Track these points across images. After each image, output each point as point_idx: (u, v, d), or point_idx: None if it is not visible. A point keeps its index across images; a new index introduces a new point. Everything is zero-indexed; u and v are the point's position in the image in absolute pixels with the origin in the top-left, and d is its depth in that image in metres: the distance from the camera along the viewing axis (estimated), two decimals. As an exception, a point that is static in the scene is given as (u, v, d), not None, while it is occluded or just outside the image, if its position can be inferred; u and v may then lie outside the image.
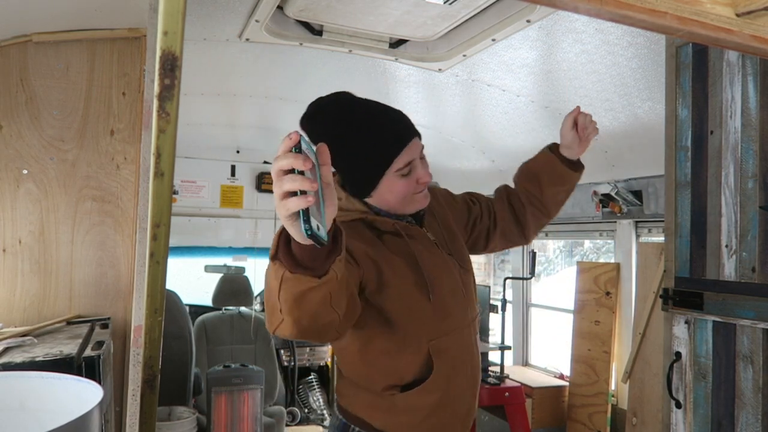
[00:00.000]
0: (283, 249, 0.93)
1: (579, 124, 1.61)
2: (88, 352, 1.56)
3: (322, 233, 0.82)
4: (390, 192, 1.36)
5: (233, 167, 5.01)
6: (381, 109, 1.42)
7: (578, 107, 1.64)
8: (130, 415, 1.52)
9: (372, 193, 1.38)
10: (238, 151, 4.99)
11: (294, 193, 0.81)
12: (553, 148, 1.68)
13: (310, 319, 1.02)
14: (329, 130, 1.36)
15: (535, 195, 1.68)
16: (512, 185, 1.75)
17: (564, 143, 1.65)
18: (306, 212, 0.80)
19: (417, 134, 1.40)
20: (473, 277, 1.56)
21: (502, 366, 3.69)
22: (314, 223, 0.81)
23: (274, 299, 0.99)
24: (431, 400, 1.35)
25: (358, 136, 1.35)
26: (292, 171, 0.81)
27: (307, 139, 0.83)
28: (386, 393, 1.36)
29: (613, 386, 3.54)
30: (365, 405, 1.39)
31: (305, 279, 0.93)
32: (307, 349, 4.86)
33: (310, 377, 4.93)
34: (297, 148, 0.81)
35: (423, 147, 1.41)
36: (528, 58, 2.53)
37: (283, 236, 0.93)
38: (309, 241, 0.84)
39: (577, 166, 1.67)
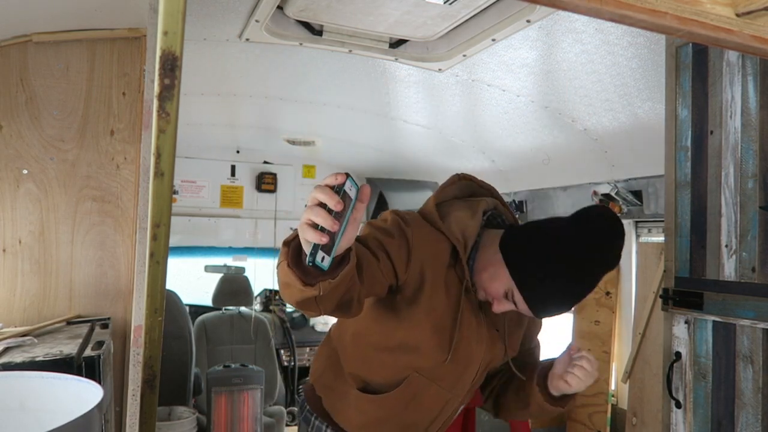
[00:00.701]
0: (295, 243, 1.00)
1: (576, 362, 1.39)
2: (88, 352, 1.56)
3: (325, 264, 0.92)
4: (491, 277, 1.31)
5: (233, 167, 5.01)
6: (588, 263, 1.26)
7: (575, 348, 1.44)
8: (130, 415, 1.52)
9: (506, 264, 1.30)
10: (238, 151, 4.99)
11: (316, 226, 0.90)
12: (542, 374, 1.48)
13: (293, 302, 1.07)
14: (581, 248, 1.25)
15: (500, 403, 1.61)
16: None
17: (553, 371, 1.44)
18: (316, 246, 0.90)
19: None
20: (499, 366, 1.51)
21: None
22: (319, 256, 0.91)
23: (277, 267, 1.05)
24: (379, 414, 1.36)
25: (581, 279, 1.26)
26: (325, 206, 0.89)
27: (354, 178, 0.92)
28: (349, 379, 1.39)
29: (613, 386, 3.54)
30: (326, 382, 1.44)
31: (293, 279, 1.00)
32: (307, 349, 4.86)
33: (310, 377, 4.92)
34: (338, 188, 0.90)
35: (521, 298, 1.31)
36: (528, 58, 2.53)
37: (296, 244, 1.00)
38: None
39: (560, 401, 1.47)
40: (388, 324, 1.33)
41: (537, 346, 1.64)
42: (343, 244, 0.95)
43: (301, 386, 1.61)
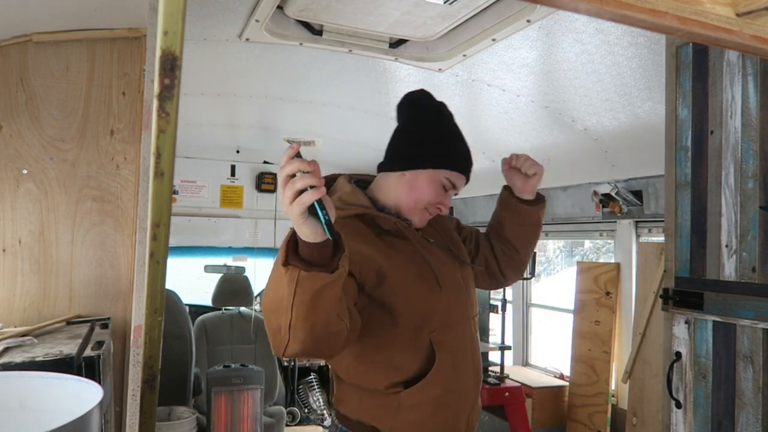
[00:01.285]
0: (293, 254, 0.99)
1: (516, 165, 1.60)
2: (88, 352, 1.57)
3: (327, 216, 0.92)
4: (415, 188, 1.41)
5: (233, 167, 5.01)
6: (451, 127, 1.50)
7: (511, 156, 1.61)
8: (130, 415, 1.52)
9: (406, 173, 1.42)
10: (238, 151, 4.99)
11: (307, 192, 0.90)
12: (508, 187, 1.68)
13: (324, 324, 1.04)
14: (416, 112, 1.49)
15: (499, 232, 1.70)
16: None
17: (512, 187, 1.65)
18: (320, 203, 0.91)
19: (469, 176, 1.48)
20: (472, 275, 1.58)
21: (502, 366, 3.70)
22: (326, 215, 0.91)
23: (285, 309, 1.01)
24: (436, 393, 1.34)
25: (441, 125, 1.47)
26: (299, 174, 0.91)
27: (299, 145, 0.95)
28: (391, 391, 1.34)
29: (613, 386, 3.54)
30: (371, 408, 1.36)
31: (320, 275, 0.98)
32: (307, 349, 4.85)
33: (310, 377, 4.93)
34: (298, 156, 0.92)
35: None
36: (528, 58, 2.53)
37: (291, 243, 1.00)
38: (322, 234, 0.95)
39: (534, 202, 1.64)
40: (377, 317, 1.33)
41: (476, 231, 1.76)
42: (331, 213, 0.96)
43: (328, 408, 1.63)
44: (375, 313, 1.32)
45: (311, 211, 0.93)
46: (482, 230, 1.77)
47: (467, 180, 1.47)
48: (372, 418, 1.36)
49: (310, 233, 0.95)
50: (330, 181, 1.49)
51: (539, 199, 1.64)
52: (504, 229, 1.67)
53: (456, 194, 1.47)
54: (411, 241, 1.41)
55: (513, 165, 1.59)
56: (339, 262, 1.00)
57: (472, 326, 1.49)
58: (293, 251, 1.00)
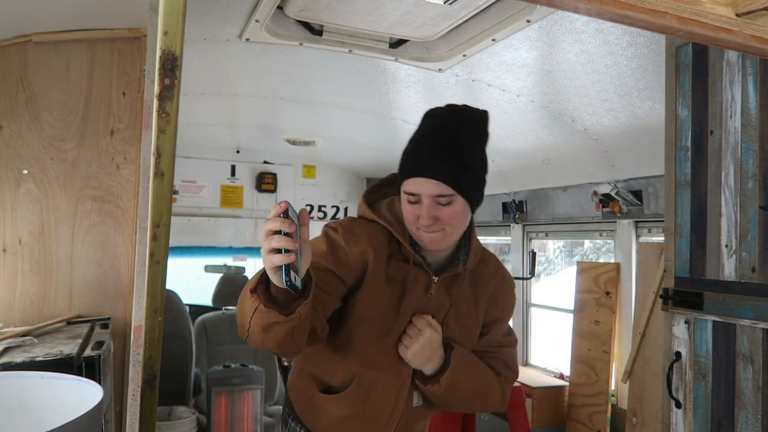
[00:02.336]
0: (262, 286, 1.10)
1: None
2: (88, 352, 1.57)
3: (298, 283, 1.03)
4: (403, 209, 1.35)
5: (233, 167, 5.01)
6: (440, 133, 1.34)
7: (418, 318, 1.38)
8: (130, 415, 1.52)
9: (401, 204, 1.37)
10: (238, 151, 4.99)
11: (279, 251, 0.99)
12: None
13: (274, 346, 1.16)
14: (416, 129, 1.40)
15: None
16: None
17: None
18: (287, 267, 1.00)
19: (443, 176, 1.28)
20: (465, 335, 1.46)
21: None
22: (293, 275, 1.01)
23: (245, 322, 1.14)
24: (338, 413, 1.40)
25: (412, 141, 1.36)
26: (279, 232, 0.99)
27: (293, 206, 1.03)
28: (312, 382, 1.43)
29: (613, 386, 3.54)
30: (299, 387, 1.47)
31: (274, 314, 1.09)
32: (307, 349, 4.85)
33: (310, 377, 4.92)
34: (285, 214, 1.00)
35: (446, 195, 1.29)
36: (528, 58, 2.53)
37: (264, 275, 1.09)
38: (285, 287, 1.03)
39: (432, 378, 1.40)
40: (336, 322, 1.36)
41: (508, 344, 1.54)
42: (304, 264, 1.06)
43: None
44: (343, 310, 1.36)
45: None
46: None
47: (438, 177, 1.27)
48: (295, 397, 1.48)
49: (278, 282, 1.05)
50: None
51: (432, 379, 1.40)
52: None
53: (440, 202, 1.28)
54: (410, 277, 1.35)
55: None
56: (298, 308, 1.09)
57: (412, 393, 1.41)
58: (264, 282, 1.10)
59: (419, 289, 1.37)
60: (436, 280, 1.38)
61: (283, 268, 1.00)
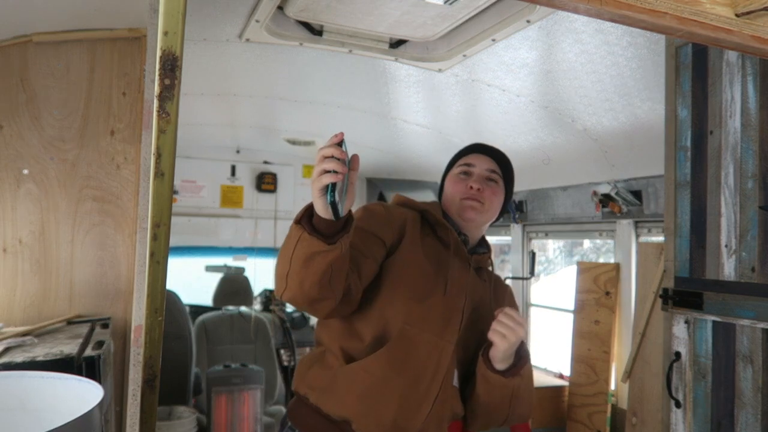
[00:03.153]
0: (306, 219, 1.16)
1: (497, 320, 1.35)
2: (89, 352, 1.57)
3: (340, 208, 1.09)
4: (447, 189, 1.54)
5: (233, 167, 5.01)
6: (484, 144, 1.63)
7: (500, 310, 1.36)
8: (130, 415, 1.53)
9: (443, 193, 1.58)
10: (238, 151, 4.99)
11: (328, 173, 1.06)
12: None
13: (311, 284, 1.18)
14: None
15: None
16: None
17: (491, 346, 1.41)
18: (333, 186, 1.06)
19: (491, 154, 1.56)
20: (483, 331, 1.42)
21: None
22: (336, 197, 1.07)
23: (287, 258, 1.18)
24: (369, 382, 1.30)
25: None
26: (331, 158, 1.07)
27: (346, 145, 1.10)
28: (335, 359, 1.35)
29: (613, 386, 3.54)
30: (312, 377, 1.38)
31: (317, 242, 1.13)
32: (307, 349, 4.86)
33: (310, 377, 4.92)
34: (340, 144, 1.08)
35: (496, 172, 1.54)
36: (528, 58, 2.53)
37: (309, 210, 1.16)
38: (329, 214, 1.11)
39: (505, 372, 1.37)
40: (374, 279, 1.36)
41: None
42: (347, 203, 1.14)
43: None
44: (375, 276, 1.38)
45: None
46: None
47: (492, 156, 1.54)
48: (309, 387, 1.37)
49: (322, 209, 1.11)
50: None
51: (512, 370, 1.38)
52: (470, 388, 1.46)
53: (490, 176, 1.51)
54: (449, 251, 1.44)
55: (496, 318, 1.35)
56: (340, 239, 1.14)
57: (456, 357, 1.38)
58: (309, 216, 1.15)
59: (458, 263, 1.45)
60: (471, 259, 1.48)
61: (329, 186, 1.07)
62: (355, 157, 1.14)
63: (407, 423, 1.31)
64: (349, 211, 1.17)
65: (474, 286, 1.47)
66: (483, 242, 1.58)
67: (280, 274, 1.21)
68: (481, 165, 1.53)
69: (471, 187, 1.48)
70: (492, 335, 1.33)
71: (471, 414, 1.47)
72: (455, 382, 1.41)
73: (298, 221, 1.16)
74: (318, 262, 1.15)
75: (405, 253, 1.39)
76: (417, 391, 1.32)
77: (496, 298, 1.54)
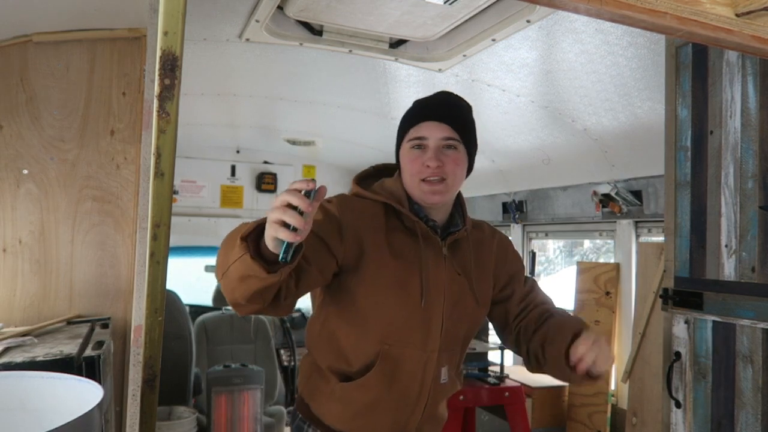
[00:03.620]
0: (255, 237, 1.06)
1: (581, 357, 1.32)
2: (89, 352, 1.57)
3: (288, 259, 1.01)
4: (404, 165, 1.38)
5: (233, 167, 5.01)
6: (440, 96, 1.46)
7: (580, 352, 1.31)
8: (130, 415, 1.53)
9: (400, 163, 1.41)
10: (238, 151, 4.99)
11: (287, 225, 0.96)
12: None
13: (242, 297, 1.12)
14: None
15: (535, 350, 1.46)
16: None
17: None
18: (289, 244, 0.98)
19: (451, 120, 1.37)
20: (481, 313, 1.45)
21: (502, 366, 3.69)
22: (289, 254, 0.99)
23: (225, 264, 1.10)
24: (365, 398, 1.34)
25: (412, 106, 1.44)
26: (295, 208, 0.96)
27: (315, 190, 0.98)
28: (332, 377, 1.37)
29: (613, 386, 3.54)
30: (312, 387, 1.41)
31: (257, 269, 1.04)
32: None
33: (310, 377, 4.92)
34: (307, 193, 0.96)
35: (454, 138, 1.36)
36: (528, 58, 2.53)
37: (259, 228, 1.06)
38: (275, 252, 1.02)
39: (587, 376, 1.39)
40: (345, 302, 1.34)
41: (533, 288, 1.52)
42: (302, 237, 1.02)
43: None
44: (345, 295, 1.34)
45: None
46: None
47: (446, 120, 1.35)
48: (310, 397, 1.41)
49: (273, 248, 1.02)
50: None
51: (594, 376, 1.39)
52: (540, 357, 1.43)
53: (447, 144, 1.34)
54: (419, 246, 1.35)
55: (579, 358, 1.33)
56: (281, 269, 1.06)
57: (440, 358, 1.38)
58: (258, 235, 1.06)
59: (431, 256, 1.36)
60: (444, 245, 1.38)
61: (284, 244, 0.98)
62: (321, 189, 1.01)
63: (401, 430, 1.39)
64: (300, 244, 1.07)
65: (452, 277, 1.39)
66: (457, 214, 1.46)
67: (218, 268, 1.15)
68: (435, 135, 1.34)
69: (428, 166, 1.33)
70: (603, 365, 1.34)
71: (517, 347, 1.49)
72: (443, 378, 1.41)
73: (244, 238, 1.06)
74: (252, 283, 1.08)
75: (371, 269, 1.31)
76: (407, 403, 1.37)
77: (482, 262, 1.46)
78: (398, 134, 1.43)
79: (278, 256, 1.02)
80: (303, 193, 0.97)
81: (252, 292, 1.10)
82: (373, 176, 1.51)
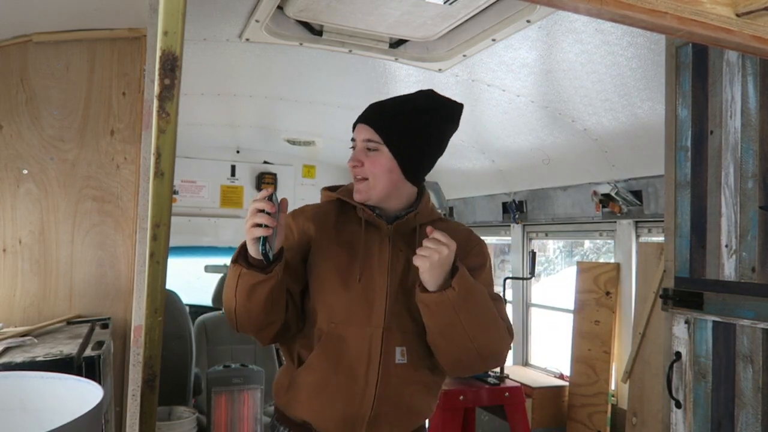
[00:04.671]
0: (242, 257, 1.31)
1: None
2: (88, 352, 1.57)
3: (271, 255, 1.26)
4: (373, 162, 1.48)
5: (233, 167, 5.01)
6: (393, 97, 1.55)
7: (436, 231, 1.32)
8: (130, 415, 1.53)
9: None
10: (238, 151, 4.99)
11: (260, 226, 1.23)
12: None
13: (258, 312, 1.32)
14: None
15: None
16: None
17: None
18: (265, 239, 1.24)
19: (372, 123, 1.46)
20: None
21: (502, 366, 3.69)
22: (267, 246, 1.24)
23: (232, 295, 1.32)
24: (312, 379, 1.40)
25: None
26: (262, 211, 1.23)
27: (276, 197, 1.27)
28: (292, 366, 1.46)
29: (613, 386, 3.54)
30: (278, 382, 1.52)
31: (255, 274, 1.27)
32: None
33: (310, 377, 4.92)
34: (270, 197, 1.25)
35: (373, 140, 1.44)
36: (528, 58, 2.53)
37: (243, 249, 1.30)
38: (260, 257, 1.26)
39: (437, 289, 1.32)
40: (306, 296, 1.45)
41: (493, 296, 1.44)
42: (278, 243, 1.29)
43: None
44: (305, 290, 1.46)
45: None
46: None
47: (368, 123, 1.45)
48: (276, 392, 1.52)
49: (255, 253, 1.26)
50: None
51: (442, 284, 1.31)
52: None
53: (368, 147, 1.44)
54: (360, 235, 1.43)
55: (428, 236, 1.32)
56: (273, 268, 1.28)
57: (389, 337, 1.38)
58: (243, 254, 1.30)
59: (375, 239, 1.43)
60: (389, 228, 1.44)
61: (261, 239, 1.23)
62: (283, 201, 1.28)
63: (356, 413, 1.38)
64: (281, 248, 1.30)
65: (398, 258, 1.41)
66: (411, 204, 1.48)
67: (229, 310, 1.36)
68: (359, 137, 1.47)
69: (353, 166, 1.47)
70: (415, 260, 1.30)
71: (438, 355, 1.41)
72: (399, 359, 1.39)
73: (235, 261, 1.30)
74: (259, 292, 1.28)
75: (316, 256, 1.43)
76: (356, 383, 1.38)
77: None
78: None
79: (264, 260, 1.25)
80: (267, 198, 1.24)
81: (263, 301, 1.30)
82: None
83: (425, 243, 1.30)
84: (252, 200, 1.25)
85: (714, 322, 1.85)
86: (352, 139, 1.51)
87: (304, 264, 1.45)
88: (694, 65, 1.94)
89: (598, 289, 3.63)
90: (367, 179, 1.44)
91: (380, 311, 1.39)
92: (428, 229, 1.33)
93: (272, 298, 1.31)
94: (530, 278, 4.13)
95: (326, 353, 1.38)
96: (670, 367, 1.98)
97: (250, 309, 1.32)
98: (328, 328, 1.39)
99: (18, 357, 1.48)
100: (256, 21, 2.25)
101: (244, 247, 1.29)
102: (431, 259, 1.28)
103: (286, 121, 4.09)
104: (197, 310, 4.62)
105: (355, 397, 1.38)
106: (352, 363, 1.37)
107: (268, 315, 1.34)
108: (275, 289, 1.30)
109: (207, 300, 4.56)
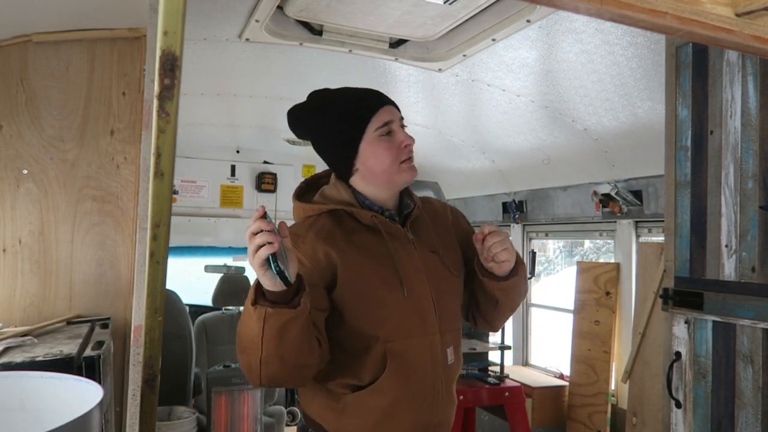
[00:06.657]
0: (261, 296, 1.13)
1: (485, 246, 1.35)
2: (88, 352, 1.57)
3: (287, 273, 1.09)
4: (374, 157, 1.35)
5: (233, 167, 5.01)
6: (352, 89, 1.48)
7: (482, 230, 1.36)
8: (130, 415, 1.53)
9: (356, 162, 1.37)
10: (238, 151, 4.99)
11: (263, 247, 1.06)
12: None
13: (293, 356, 1.16)
14: (307, 123, 1.50)
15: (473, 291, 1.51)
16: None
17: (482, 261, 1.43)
18: (274, 256, 1.07)
19: (393, 104, 1.42)
20: (459, 283, 1.46)
21: (502, 366, 3.69)
22: (281, 264, 1.07)
23: (256, 345, 1.14)
24: (383, 403, 1.31)
25: (331, 110, 1.43)
26: (260, 232, 1.06)
27: (269, 216, 1.10)
28: (340, 392, 1.33)
29: (613, 386, 3.54)
30: (320, 406, 1.37)
31: (284, 311, 1.11)
32: (307, 349, 4.85)
33: (310, 377, 4.92)
34: (264, 216, 1.08)
35: (402, 119, 1.41)
36: (528, 58, 2.53)
37: (258, 288, 1.13)
38: (279, 284, 1.09)
39: (501, 276, 1.39)
40: (336, 319, 1.31)
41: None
42: (292, 269, 1.11)
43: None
44: (333, 313, 1.31)
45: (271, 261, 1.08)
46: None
47: (397, 108, 1.41)
48: (320, 417, 1.37)
49: (270, 283, 1.09)
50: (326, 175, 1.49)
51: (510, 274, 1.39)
52: (476, 294, 1.49)
53: (402, 124, 1.40)
54: (384, 239, 1.34)
55: (482, 244, 1.36)
56: (300, 299, 1.12)
57: (443, 340, 1.38)
58: (261, 294, 1.12)
59: (399, 245, 1.36)
60: (407, 230, 1.40)
61: (270, 258, 1.07)
62: (281, 225, 1.11)
63: (426, 425, 1.37)
64: (299, 276, 1.14)
65: (425, 258, 1.39)
66: (404, 195, 1.46)
67: (251, 365, 1.18)
68: (396, 115, 1.40)
69: (406, 146, 1.36)
70: (500, 258, 1.33)
71: (494, 321, 1.52)
72: (450, 359, 1.40)
73: (254, 303, 1.12)
74: (293, 330, 1.12)
75: (348, 279, 1.30)
76: (426, 394, 1.35)
77: (442, 232, 1.47)
78: (352, 134, 1.38)
79: (283, 284, 1.09)
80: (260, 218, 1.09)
81: (297, 341, 1.14)
82: (310, 190, 1.49)
83: (492, 239, 1.33)
84: (246, 228, 1.09)
85: (714, 322, 1.85)
86: (386, 123, 1.36)
87: (326, 290, 1.30)
88: (694, 65, 1.94)
89: (598, 289, 3.63)
90: (412, 158, 1.39)
91: (432, 318, 1.36)
92: (477, 235, 1.36)
93: (308, 336, 1.16)
94: (530, 278, 4.13)
95: (395, 371, 1.31)
96: (670, 367, 1.98)
97: (283, 355, 1.15)
98: (387, 348, 1.30)
99: (18, 357, 1.48)
100: (256, 21, 2.25)
101: (257, 287, 1.13)
102: (511, 251, 1.35)
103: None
104: (197, 310, 4.62)
105: (426, 409, 1.36)
106: (419, 375, 1.34)
107: (303, 355, 1.18)
108: (306, 324, 1.15)
109: (207, 300, 4.55)
